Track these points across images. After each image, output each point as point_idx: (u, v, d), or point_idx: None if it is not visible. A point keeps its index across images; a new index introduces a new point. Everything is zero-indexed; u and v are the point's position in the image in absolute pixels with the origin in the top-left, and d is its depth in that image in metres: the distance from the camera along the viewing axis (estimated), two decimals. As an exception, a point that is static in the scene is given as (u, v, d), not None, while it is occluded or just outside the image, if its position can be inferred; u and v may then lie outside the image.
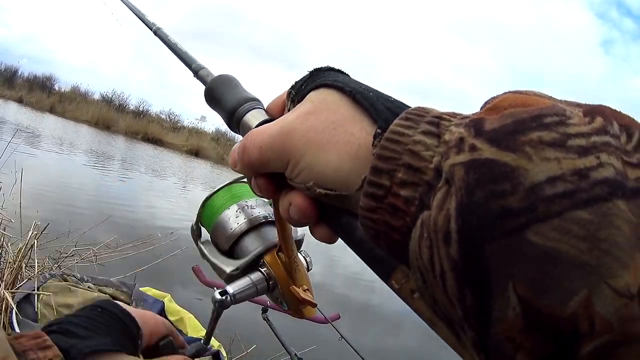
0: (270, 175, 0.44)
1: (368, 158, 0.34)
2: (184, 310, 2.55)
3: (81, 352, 0.50)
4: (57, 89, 39.53)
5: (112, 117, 30.92)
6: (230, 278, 0.63)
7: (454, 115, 0.32)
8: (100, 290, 2.39)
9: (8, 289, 2.12)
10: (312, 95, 0.42)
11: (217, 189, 0.72)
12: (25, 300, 2.08)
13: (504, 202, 0.25)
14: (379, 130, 0.34)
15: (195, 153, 27.43)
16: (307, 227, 0.45)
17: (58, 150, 13.52)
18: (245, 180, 0.64)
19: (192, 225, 0.73)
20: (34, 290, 2.09)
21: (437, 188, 0.28)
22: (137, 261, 3.46)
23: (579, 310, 0.23)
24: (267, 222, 0.67)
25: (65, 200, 7.40)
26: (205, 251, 0.68)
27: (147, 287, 2.66)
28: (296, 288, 0.61)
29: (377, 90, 0.40)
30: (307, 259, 0.69)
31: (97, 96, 37.68)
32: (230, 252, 0.67)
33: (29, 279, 2.30)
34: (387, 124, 0.34)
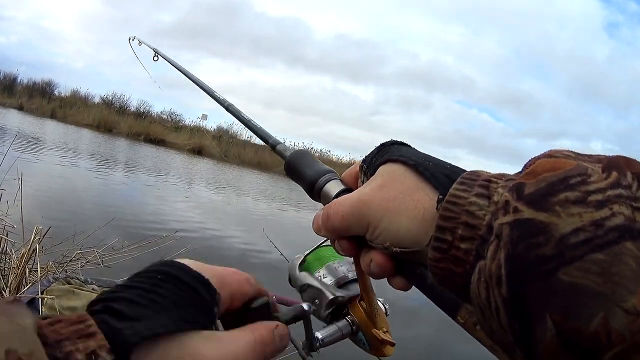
0: (351, 238, 0.52)
1: (433, 219, 0.41)
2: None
3: (129, 341, 0.35)
4: (57, 94, 39.50)
5: (113, 119, 30.91)
6: (331, 303, 0.71)
7: (501, 176, 0.40)
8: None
9: (12, 294, 2.13)
10: (382, 170, 0.50)
11: (306, 253, 0.80)
12: (30, 305, 2.09)
13: (540, 251, 0.33)
14: (440, 196, 0.42)
15: (198, 151, 27.43)
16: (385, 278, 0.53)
17: (61, 154, 13.54)
18: (329, 242, 0.70)
19: (294, 260, 0.80)
20: (38, 294, 2.10)
21: (490, 242, 0.36)
22: (142, 262, 3.45)
23: (599, 328, 0.31)
24: (350, 281, 0.74)
25: (69, 204, 7.44)
26: (314, 280, 0.75)
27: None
28: (377, 331, 0.69)
29: (434, 159, 0.48)
30: (386, 305, 0.76)
31: (97, 99, 37.69)
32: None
33: (33, 283, 2.32)
34: (446, 190, 0.41)
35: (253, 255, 6.79)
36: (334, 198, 0.58)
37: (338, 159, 31.09)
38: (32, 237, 2.61)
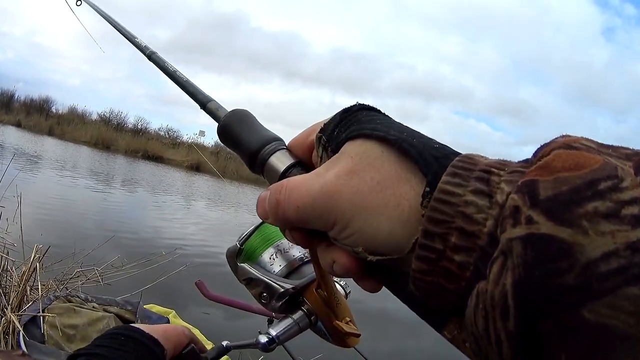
0: (307, 229, 0.42)
1: (419, 221, 0.33)
2: (190, 325, 2.56)
3: None
4: (54, 111, 39.66)
5: (111, 136, 31.02)
6: (281, 295, 0.63)
7: (501, 165, 0.32)
8: (104, 310, 2.40)
9: (14, 312, 2.13)
10: (351, 149, 0.39)
11: (248, 233, 0.70)
12: (32, 322, 2.09)
13: (561, 281, 0.25)
14: (427, 189, 0.33)
15: (196, 168, 27.44)
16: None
17: (60, 172, 13.54)
18: None
19: (230, 248, 0.71)
20: (39, 312, 2.11)
21: (493, 258, 0.28)
22: (142, 279, 3.47)
23: None
24: (304, 263, 0.67)
25: (68, 222, 7.42)
26: (250, 270, 0.67)
27: (151, 304, 2.66)
28: (339, 323, 0.61)
29: (418, 133, 0.39)
30: (346, 289, 0.69)
31: (94, 116, 37.81)
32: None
33: (34, 301, 2.32)
34: (435, 179, 0.33)
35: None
36: (281, 174, 0.48)
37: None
38: (33, 256, 2.61)
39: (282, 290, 0.63)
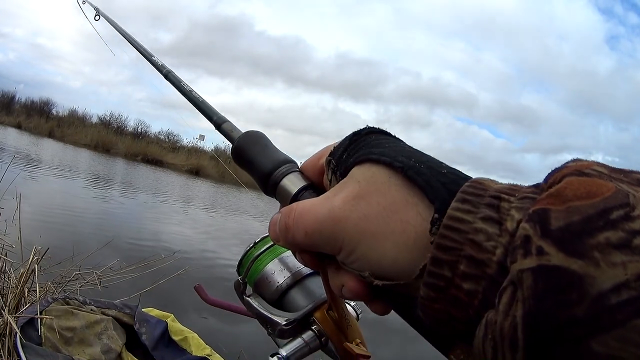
0: (316, 253, 0.43)
1: (426, 247, 0.33)
2: (188, 329, 2.55)
3: None
4: (54, 113, 39.70)
5: (111, 139, 31.06)
6: (283, 332, 0.63)
7: (511, 191, 0.32)
8: (102, 313, 2.39)
9: (12, 314, 2.11)
10: (358, 174, 0.40)
11: (255, 242, 0.71)
12: (29, 325, 2.08)
13: (571, 312, 0.25)
14: (436, 216, 0.33)
15: (196, 172, 27.47)
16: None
17: (59, 174, 13.54)
18: None
19: (236, 281, 0.71)
20: (37, 314, 2.09)
21: (503, 288, 0.28)
22: (141, 282, 3.46)
23: None
24: (311, 274, 0.67)
25: (67, 224, 7.41)
26: (253, 304, 0.67)
27: (149, 308, 2.66)
28: (350, 345, 0.61)
29: (427, 157, 0.39)
30: (358, 311, 0.68)
31: (95, 119, 37.85)
32: (277, 305, 0.67)
33: (32, 303, 2.30)
34: (443, 205, 0.33)
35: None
36: (292, 197, 0.48)
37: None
38: (31, 257, 2.59)
39: (281, 326, 0.63)
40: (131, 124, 37.72)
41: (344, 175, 0.41)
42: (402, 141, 0.43)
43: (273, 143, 0.56)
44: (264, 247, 0.70)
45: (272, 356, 0.61)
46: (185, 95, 0.75)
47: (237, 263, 0.73)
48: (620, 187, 0.28)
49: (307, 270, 0.66)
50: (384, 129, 0.45)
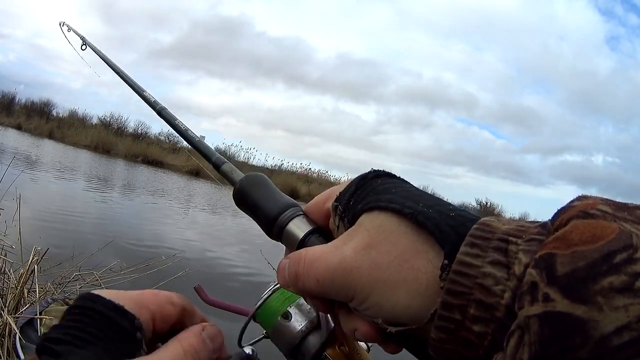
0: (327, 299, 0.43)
1: (437, 292, 0.34)
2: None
3: None
4: (55, 114, 39.74)
5: (111, 140, 31.03)
6: None
7: (519, 232, 0.33)
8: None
9: (11, 314, 2.11)
10: (367, 222, 0.40)
11: (271, 290, 0.72)
12: (28, 325, 2.06)
13: (575, 356, 0.26)
14: (446, 262, 0.34)
15: (196, 173, 27.43)
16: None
17: (59, 175, 13.55)
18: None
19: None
20: (36, 314, 2.09)
21: (511, 332, 0.29)
22: (141, 284, 3.46)
23: None
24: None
25: (68, 225, 7.41)
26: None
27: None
28: None
29: (434, 200, 0.39)
30: (369, 344, 0.69)
31: (95, 120, 37.86)
32: (294, 351, 0.68)
33: (31, 303, 2.30)
34: (453, 249, 0.34)
35: (252, 275, 6.74)
36: (300, 242, 0.48)
37: (336, 180, 31.09)
38: (31, 258, 2.59)
39: None
40: (131, 125, 37.82)
41: (351, 221, 0.42)
42: (408, 183, 0.44)
43: (275, 186, 0.56)
44: (273, 288, 0.72)
45: None
46: (181, 134, 0.74)
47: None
48: (624, 227, 0.28)
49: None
50: (394, 173, 0.45)
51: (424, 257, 0.36)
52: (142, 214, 11.11)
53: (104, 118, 37.51)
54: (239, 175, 0.59)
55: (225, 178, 0.61)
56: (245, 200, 0.55)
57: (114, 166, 22.03)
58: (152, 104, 0.84)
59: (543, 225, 0.33)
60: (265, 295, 0.71)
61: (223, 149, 32.15)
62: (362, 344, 0.69)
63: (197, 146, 0.70)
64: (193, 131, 0.72)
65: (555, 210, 0.32)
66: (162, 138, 36.10)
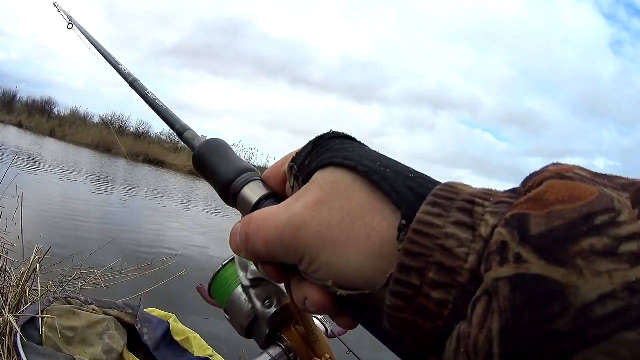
0: (279, 263, 0.40)
1: (393, 254, 0.31)
2: (190, 330, 2.54)
3: None
4: (56, 112, 39.81)
5: (112, 140, 31.05)
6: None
7: (486, 195, 0.30)
8: (104, 312, 2.37)
9: (12, 313, 2.10)
10: (320, 178, 0.38)
11: (224, 264, 0.72)
12: (30, 324, 2.06)
13: (553, 327, 0.23)
14: (403, 222, 0.31)
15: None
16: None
17: (61, 174, 13.56)
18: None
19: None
20: (38, 313, 2.07)
21: (476, 299, 0.26)
22: (142, 283, 3.45)
23: None
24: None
25: (69, 224, 7.41)
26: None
27: (151, 308, 2.64)
28: None
29: (393, 162, 0.36)
30: (326, 324, 0.68)
31: (96, 119, 37.92)
32: (249, 331, 0.66)
33: (33, 302, 2.29)
34: (411, 211, 0.31)
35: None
36: (253, 207, 0.46)
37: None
38: (33, 257, 2.58)
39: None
40: (133, 124, 37.85)
41: (306, 181, 0.39)
42: (366, 146, 0.41)
43: (235, 151, 0.54)
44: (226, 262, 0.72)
45: None
46: (149, 103, 0.75)
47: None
48: (604, 191, 0.25)
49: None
50: (348, 134, 0.43)
51: (379, 214, 0.33)
52: (144, 213, 11.13)
53: (105, 117, 37.60)
54: (200, 141, 0.57)
55: (187, 145, 0.60)
56: (203, 164, 0.53)
57: (115, 165, 22.04)
58: (125, 76, 0.88)
59: (513, 190, 0.30)
60: (220, 267, 0.70)
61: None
62: (320, 325, 0.67)
63: (163, 114, 0.70)
64: (161, 101, 0.73)
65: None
66: (164, 137, 36.15)
